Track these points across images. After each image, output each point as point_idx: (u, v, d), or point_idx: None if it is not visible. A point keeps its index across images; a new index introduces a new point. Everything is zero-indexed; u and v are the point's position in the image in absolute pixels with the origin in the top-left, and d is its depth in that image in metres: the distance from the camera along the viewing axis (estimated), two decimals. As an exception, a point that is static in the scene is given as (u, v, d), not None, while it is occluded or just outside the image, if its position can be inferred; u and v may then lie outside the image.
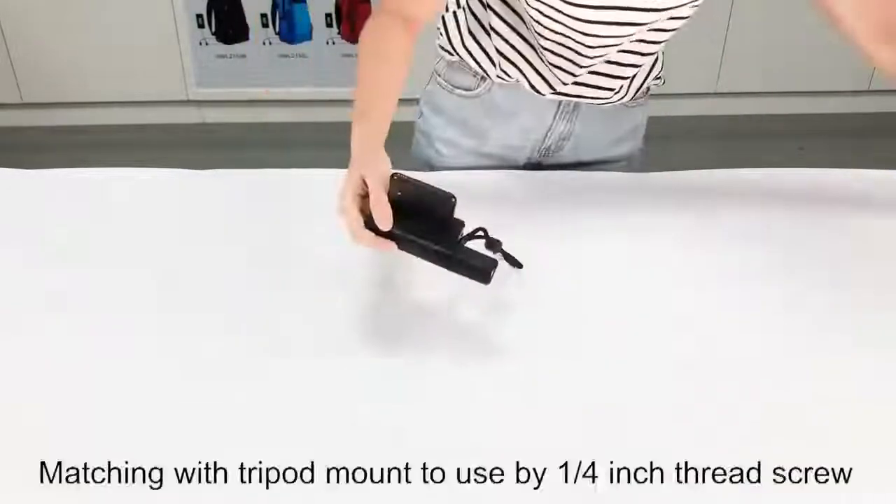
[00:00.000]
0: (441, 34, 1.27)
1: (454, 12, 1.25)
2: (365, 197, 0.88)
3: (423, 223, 0.89)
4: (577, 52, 1.13)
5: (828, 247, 1.14)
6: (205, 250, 1.12)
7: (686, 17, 1.12)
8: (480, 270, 0.90)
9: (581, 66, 1.16)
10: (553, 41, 1.13)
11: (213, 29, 2.87)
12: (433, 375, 0.94)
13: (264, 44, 2.92)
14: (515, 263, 1.07)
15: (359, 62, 1.04)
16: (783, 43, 2.95)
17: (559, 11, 1.06)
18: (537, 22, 1.11)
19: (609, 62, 1.17)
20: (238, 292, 1.05)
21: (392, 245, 0.90)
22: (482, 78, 1.24)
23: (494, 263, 0.90)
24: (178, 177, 1.27)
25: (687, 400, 0.92)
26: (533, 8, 1.09)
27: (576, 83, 1.19)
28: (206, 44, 2.89)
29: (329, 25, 2.89)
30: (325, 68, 2.93)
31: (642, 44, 1.14)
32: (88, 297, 1.04)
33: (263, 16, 2.87)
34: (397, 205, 0.88)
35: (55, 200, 1.22)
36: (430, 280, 1.04)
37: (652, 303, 1.04)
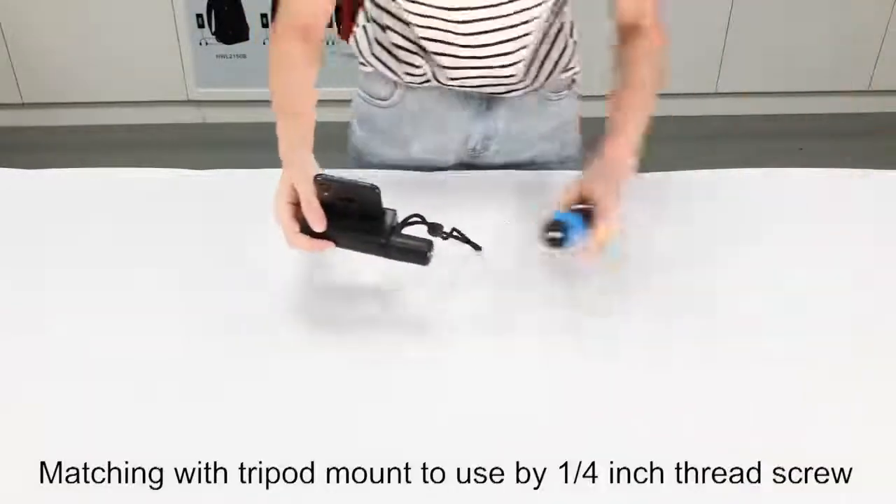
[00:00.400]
0: (355, 49, 1.29)
1: (364, 26, 1.27)
2: (297, 204, 0.92)
3: (355, 218, 0.93)
4: (450, 31, 1.13)
5: (827, 247, 1.14)
6: (205, 250, 1.12)
7: None
8: (416, 253, 0.93)
9: (461, 46, 1.16)
10: (426, 27, 1.14)
11: (213, 29, 2.87)
12: (434, 375, 0.94)
13: (264, 44, 2.91)
14: (475, 245, 1.07)
15: (269, 81, 1.07)
16: (783, 43, 2.95)
17: None
18: (405, 11, 1.13)
19: (501, 41, 1.16)
20: (238, 292, 1.05)
21: (329, 244, 0.94)
22: (395, 84, 1.26)
23: (430, 245, 0.94)
24: (178, 177, 1.27)
25: (687, 400, 0.92)
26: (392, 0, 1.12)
27: (471, 70, 1.19)
28: (206, 44, 2.89)
29: (329, 26, 2.88)
30: (324, 68, 2.93)
31: (523, 19, 1.13)
32: (88, 297, 1.04)
33: (263, 16, 2.87)
34: (328, 205, 0.91)
35: (55, 200, 1.22)
36: (431, 281, 1.04)
37: (652, 303, 1.04)
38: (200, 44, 2.89)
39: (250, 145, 2.99)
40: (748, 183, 1.27)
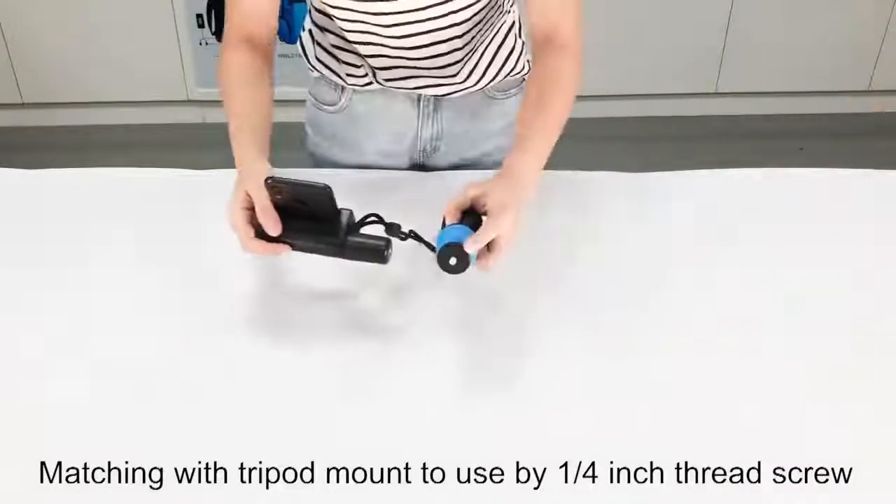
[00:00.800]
0: (301, 53, 1.28)
1: (310, 30, 1.26)
2: (252, 209, 0.92)
3: (310, 219, 0.92)
4: (377, 34, 1.13)
5: (827, 247, 1.14)
6: (205, 250, 1.12)
7: None
8: (374, 251, 0.93)
9: (391, 48, 1.15)
10: (355, 31, 1.14)
11: (213, 29, 2.87)
12: (434, 376, 0.94)
13: (264, 44, 2.91)
14: (430, 247, 1.02)
15: (221, 90, 1.07)
16: (783, 43, 2.95)
17: None
18: (334, 17, 1.13)
19: (431, 43, 1.15)
20: (238, 292, 1.05)
21: (285, 248, 0.94)
22: (342, 89, 1.26)
23: (388, 243, 0.94)
24: (178, 177, 1.27)
25: (687, 400, 0.92)
26: (321, 4, 1.11)
27: (405, 71, 1.19)
28: (206, 44, 2.89)
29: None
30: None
31: (451, 21, 1.12)
32: (88, 297, 1.04)
33: (263, 16, 2.87)
34: (281, 208, 0.91)
35: (55, 200, 1.22)
36: (431, 280, 1.04)
37: (651, 302, 1.04)
38: (200, 44, 2.89)
39: (250, 145, 2.99)
40: (748, 183, 1.27)
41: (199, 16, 2.84)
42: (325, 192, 0.90)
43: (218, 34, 2.88)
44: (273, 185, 0.90)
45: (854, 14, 2.91)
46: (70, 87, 2.95)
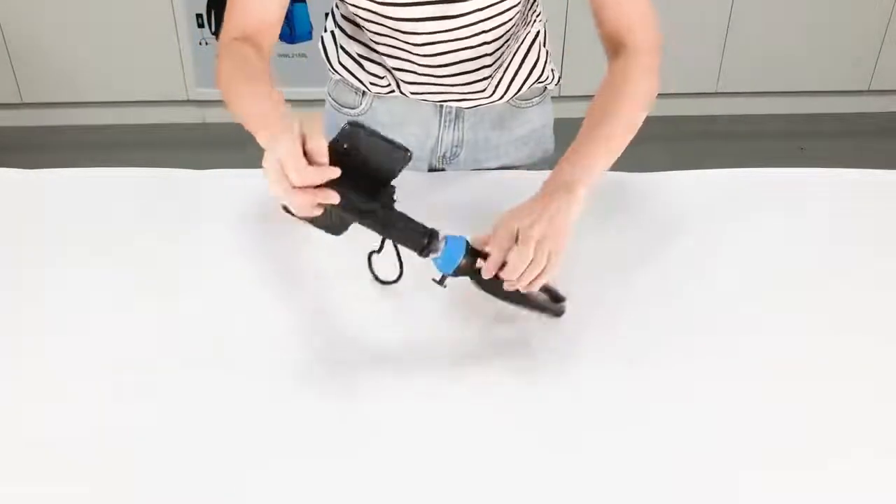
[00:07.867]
0: (322, 56, 1.27)
1: (332, 31, 1.26)
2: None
3: (361, 177, 0.83)
4: (407, 51, 1.13)
5: (828, 247, 1.14)
6: (205, 250, 1.12)
7: (510, 8, 1.09)
8: (417, 234, 0.88)
9: (420, 66, 1.15)
10: (384, 44, 1.14)
11: (213, 29, 2.87)
12: (433, 379, 0.94)
13: (264, 44, 2.91)
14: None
15: (229, 93, 1.00)
16: (783, 43, 2.96)
17: (374, 13, 1.07)
18: (364, 28, 1.13)
19: (460, 61, 1.15)
20: (238, 292, 1.05)
21: (332, 194, 0.81)
22: (363, 93, 1.25)
23: (426, 232, 0.89)
24: (178, 177, 1.27)
25: (688, 399, 0.92)
26: (353, 13, 1.10)
27: (432, 87, 1.19)
28: (206, 44, 2.89)
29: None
30: (324, 68, 2.93)
31: (483, 40, 1.12)
32: (88, 297, 1.04)
33: (263, 16, 2.87)
34: (342, 159, 0.82)
35: (55, 200, 1.22)
36: (430, 285, 1.05)
37: (652, 303, 1.04)
38: (200, 44, 2.90)
39: (250, 145, 2.99)
40: (748, 183, 1.27)
41: (199, 16, 2.84)
42: (404, 158, 0.82)
43: (218, 34, 2.89)
44: (351, 130, 0.81)
45: (854, 14, 2.91)
46: (70, 87, 2.96)
